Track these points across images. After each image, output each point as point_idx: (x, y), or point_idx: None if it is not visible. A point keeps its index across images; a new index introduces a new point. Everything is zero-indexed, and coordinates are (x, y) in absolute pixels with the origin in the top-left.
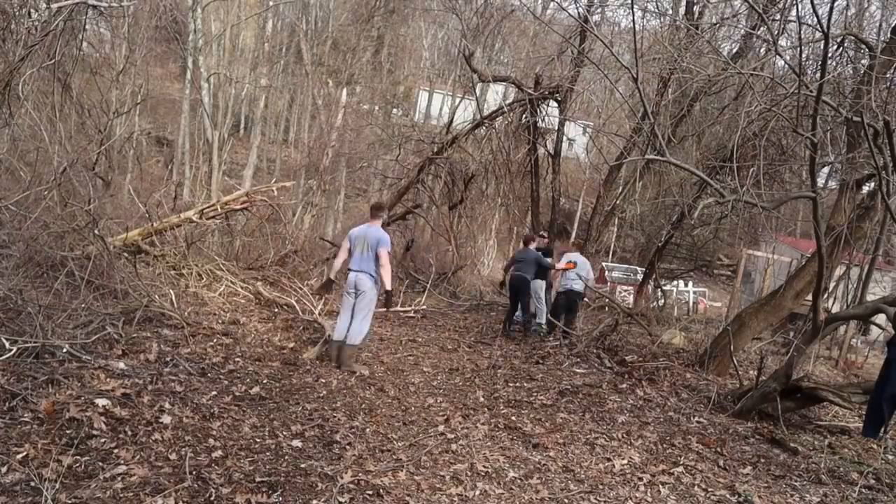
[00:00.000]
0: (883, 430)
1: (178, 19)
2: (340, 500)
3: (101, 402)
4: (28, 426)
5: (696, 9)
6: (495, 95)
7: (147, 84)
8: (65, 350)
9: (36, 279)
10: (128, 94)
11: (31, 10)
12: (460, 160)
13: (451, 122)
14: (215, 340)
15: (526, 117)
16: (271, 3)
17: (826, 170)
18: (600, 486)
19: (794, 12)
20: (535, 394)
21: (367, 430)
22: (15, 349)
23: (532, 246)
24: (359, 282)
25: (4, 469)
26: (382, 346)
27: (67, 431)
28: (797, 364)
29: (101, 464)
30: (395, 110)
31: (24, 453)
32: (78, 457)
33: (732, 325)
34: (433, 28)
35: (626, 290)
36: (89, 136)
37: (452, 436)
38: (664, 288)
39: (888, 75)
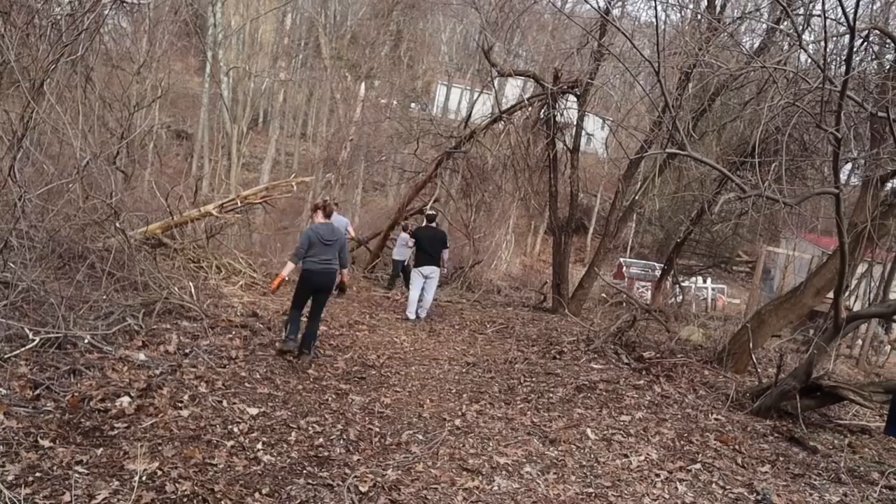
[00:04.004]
0: None
1: (198, 13)
2: (358, 492)
3: (121, 392)
4: (51, 415)
5: (717, 2)
6: (514, 90)
7: (168, 78)
8: (86, 341)
9: (58, 271)
10: (148, 88)
11: (56, 5)
12: (478, 155)
13: (469, 116)
14: (234, 332)
15: (545, 112)
16: None
17: (849, 166)
18: (618, 482)
19: (818, 6)
20: (552, 389)
21: (385, 422)
22: (38, 339)
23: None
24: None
25: (30, 457)
26: (402, 339)
27: (88, 422)
28: (817, 362)
29: (121, 453)
30: (412, 105)
31: (48, 443)
32: (98, 448)
33: (752, 323)
34: (452, 22)
35: (644, 286)
36: (111, 130)
37: (469, 430)
38: (682, 284)
39: None
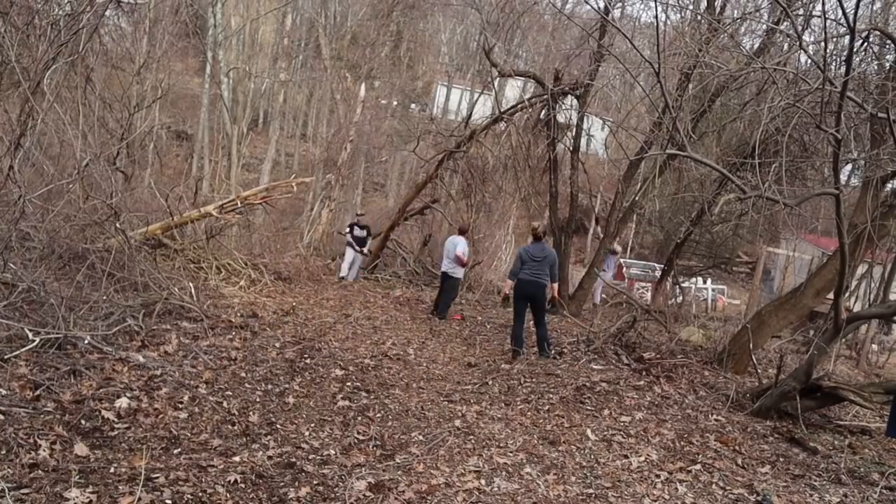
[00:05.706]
0: None
1: (198, 14)
2: (358, 492)
3: (120, 393)
4: (51, 416)
5: (717, 3)
6: (514, 90)
7: (168, 79)
8: (86, 341)
9: (58, 271)
10: (148, 89)
11: (55, 5)
12: (479, 155)
13: (469, 116)
14: (234, 333)
15: (545, 112)
16: None
17: (849, 167)
18: (618, 483)
19: (818, 7)
20: (552, 390)
21: (385, 422)
22: (38, 340)
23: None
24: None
25: (28, 458)
26: (402, 340)
27: (88, 423)
28: (817, 363)
29: (121, 454)
30: (412, 105)
31: (48, 443)
32: (98, 449)
33: (752, 323)
34: (452, 23)
35: (644, 287)
36: (110, 131)
37: (469, 431)
38: (682, 285)
39: None
